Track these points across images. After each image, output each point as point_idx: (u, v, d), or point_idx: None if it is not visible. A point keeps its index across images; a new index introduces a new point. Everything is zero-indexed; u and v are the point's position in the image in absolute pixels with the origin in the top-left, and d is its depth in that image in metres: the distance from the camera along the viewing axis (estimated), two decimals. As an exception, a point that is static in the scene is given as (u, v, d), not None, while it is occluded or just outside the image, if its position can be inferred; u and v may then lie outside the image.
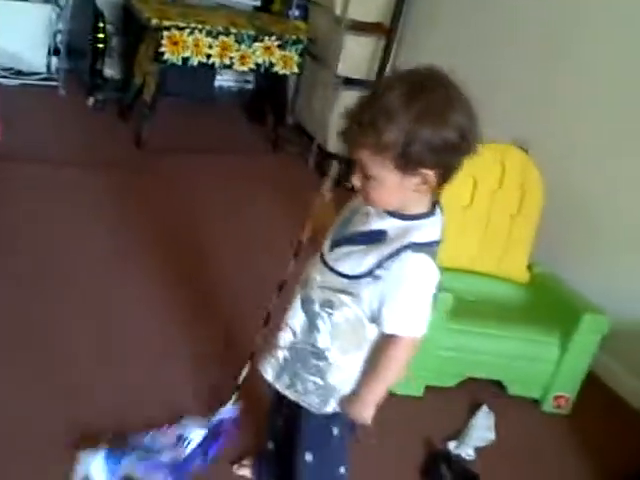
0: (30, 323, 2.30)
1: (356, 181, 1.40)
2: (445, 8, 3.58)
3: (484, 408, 2.39)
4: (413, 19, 3.70)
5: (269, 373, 1.62)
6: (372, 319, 1.46)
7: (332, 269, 1.47)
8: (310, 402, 1.57)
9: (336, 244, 1.49)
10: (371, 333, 1.49)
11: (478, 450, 2.23)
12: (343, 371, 1.53)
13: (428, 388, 2.40)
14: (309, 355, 1.54)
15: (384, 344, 1.47)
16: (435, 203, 1.45)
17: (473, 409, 2.39)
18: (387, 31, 3.68)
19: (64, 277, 2.56)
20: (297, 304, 1.54)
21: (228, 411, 1.86)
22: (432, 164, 1.33)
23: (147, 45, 3.56)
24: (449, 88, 1.34)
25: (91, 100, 3.87)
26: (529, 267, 2.65)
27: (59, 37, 4.01)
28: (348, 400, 1.55)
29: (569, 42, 2.93)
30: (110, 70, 4.05)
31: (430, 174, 1.34)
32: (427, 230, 1.42)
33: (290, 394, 1.59)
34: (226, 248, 2.95)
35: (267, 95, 4.12)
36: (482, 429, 2.31)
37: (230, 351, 2.32)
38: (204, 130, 3.99)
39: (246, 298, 2.63)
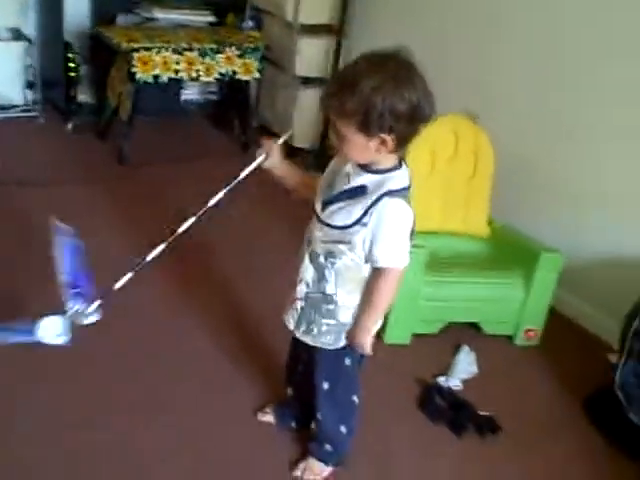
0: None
1: (333, 138, 1.73)
2: (386, 4, 3.91)
3: (465, 347, 2.73)
4: (360, 17, 4.01)
5: (290, 323, 1.93)
6: (366, 260, 1.78)
7: (328, 224, 1.79)
8: (325, 341, 1.89)
9: (327, 204, 1.81)
10: (367, 273, 1.82)
11: (464, 382, 2.56)
12: (350, 309, 1.85)
13: (414, 336, 2.72)
14: (321, 301, 1.85)
15: (375, 278, 1.79)
16: (401, 159, 1.78)
17: (456, 349, 2.72)
18: (336, 31, 4.00)
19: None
20: (306, 260, 1.85)
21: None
22: (387, 130, 1.63)
23: (118, 68, 3.84)
24: (405, 66, 1.64)
25: (69, 125, 4.13)
26: (489, 223, 2.98)
27: (31, 71, 4.27)
28: (350, 330, 1.87)
29: (506, 17, 3.25)
30: (83, 96, 4.31)
31: (387, 138, 1.65)
32: (398, 180, 1.74)
33: (308, 339, 1.91)
34: (215, 235, 3.21)
35: (231, 102, 4.42)
36: (465, 364, 2.65)
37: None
38: (178, 141, 4.28)
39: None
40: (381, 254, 1.75)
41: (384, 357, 2.49)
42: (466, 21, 3.45)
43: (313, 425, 2.09)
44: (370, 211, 1.71)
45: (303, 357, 2.07)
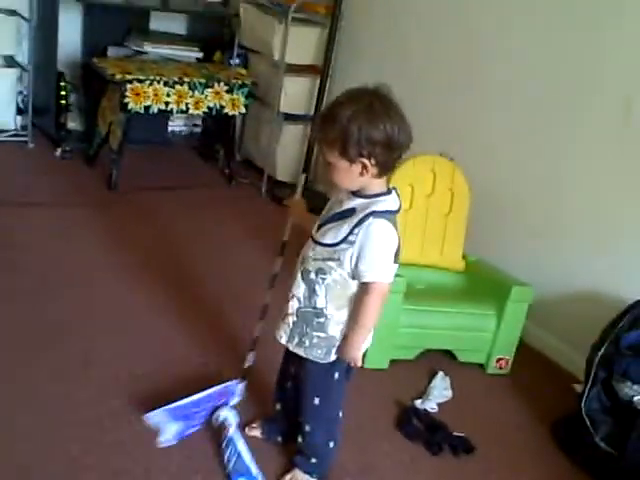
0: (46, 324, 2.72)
1: (325, 168, 1.90)
2: (368, 47, 4.10)
3: (441, 373, 2.87)
4: (342, 58, 4.21)
5: (282, 337, 2.06)
6: (353, 276, 1.93)
7: (319, 243, 1.95)
8: (316, 355, 2.02)
9: (321, 225, 1.98)
10: (355, 289, 1.96)
11: (439, 405, 2.70)
12: (339, 324, 1.99)
13: (392, 362, 2.86)
14: (311, 315, 1.99)
15: (361, 294, 1.94)
16: (393, 188, 1.95)
17: (431, 375, 2.86)
18: (320, 71, 4.20)
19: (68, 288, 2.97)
20: (298, 277, 2.00)
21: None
22: (366, 156, 1.82)
23: (110, 98, 3.98)
24: (380, 98, 1.83)
25: (59, 151, 4.25)
26: (464, 257, 3.15)
27: (21, 97, 4.39)
28: (341, 346, 2.01)
29: (483, 65, 3.46)
30: (73, 123, 4.45)
31: (367, 163, 1.83)
32: (386, 203, 1.91)
33: (300, 351, 2.04)
34: (200, 263, 3.41)
35: (217, 135, 4.58)
36: (441, 388, 2.79)
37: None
38: (164, 170, 4.42)
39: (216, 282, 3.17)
40: (366, 269, 1.90)
41: (364, 381, 2.64)
42: (445, 67, 3.66)
43: (300, 439, 2.21)
44: (356, 230, 1.88)
45: (293, 374, 2.20)
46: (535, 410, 2.80)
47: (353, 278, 1.94)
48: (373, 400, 2.68)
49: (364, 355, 2.23)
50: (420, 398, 2.72)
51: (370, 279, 1.91)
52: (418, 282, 3.00)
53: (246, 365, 2.39)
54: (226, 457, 2.20)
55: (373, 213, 1.87)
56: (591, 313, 2.90)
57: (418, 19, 3.81)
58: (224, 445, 2.24)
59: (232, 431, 2.26)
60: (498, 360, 2.98)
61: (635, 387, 2.48)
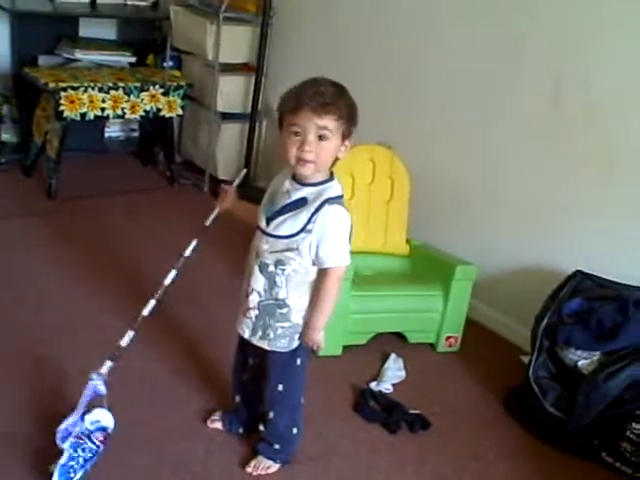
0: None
1: (309, 147, 1.90)
2: (300, 42, 4.14)
3: (393, 355, 2.95)
4: (275, 55, 4.24)
5: (245, 332, 2.11)
6: (313, 263, 1.99)
7: (274, 235, 1.99)
8: (280, 345, 2.07)
9: (271, 219, 2.01)
10: (314, 275, 2.02)
11: (394, 385, 2.78)
12: (301, 311, 2.05)
13: (345, 347, 2.92)
14: (274, 307, 2.04)
15: (321, 279, 2.00)
16: (331, 173, 2.02)
17: (385, 357, 2.94)
18: (254, 69, 4.23)
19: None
20: (256, 271, 2.04)
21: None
22: (350, 135, 1.94)
23: (44, 107, 3.94)
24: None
25: (-2, 165, 4.20)
26: (408, 242, 3.24)
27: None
28: (304, 331, 2.06)
29: (411, 56, 3.56)
30: (6, 135, 4.38)
31: (348, 144, 1.95)
32: (333, 189, 1.99)
33: (264, 344, 2.08)
34: (146, 260, 3.41)
35: (155, 138, 4.57)
36: (394, 370, 2.87)
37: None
38: (103, 177, 4.39)
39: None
40: (326, 256, 1.97)
41: (318, 367, 2.68)
42: (378, 57, 3.73)
43: (261, 427, 2.25)
44: (313, 218, 1.94)
45: (251, 365, 2.24)
46: (486, 383, 2.89)
47: (313, 265, 1.99)
48: (330, 385, 2.74)
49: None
50: (375, 380, 2.79)
51: (331, 264, 1.98)
52: (365, 269, 3.06)
53: (122, 343, 2.18)
54: (76, 457, 2.06)
55: (328, 200, 1.94)
56: (533, 287, 3.02)
57: (349, 11, 3.87)
58: (87, 446, 2.08)
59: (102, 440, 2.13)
60: (447, 338, 3.07)
61: (579, 352, 2.59)
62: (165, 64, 4.39)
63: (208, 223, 2.23)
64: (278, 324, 2.05)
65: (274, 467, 2.25)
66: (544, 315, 2.70)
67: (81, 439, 2.06)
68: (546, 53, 3.00)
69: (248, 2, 4.20)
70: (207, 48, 4.21)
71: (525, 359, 2.85)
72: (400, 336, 3.06)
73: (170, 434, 2.36)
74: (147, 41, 4.73)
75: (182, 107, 4.26)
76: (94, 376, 2.11)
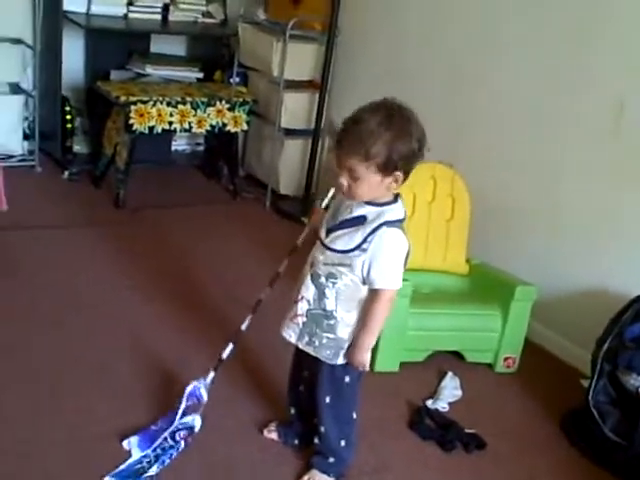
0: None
1: (343, 182, 1.95)
2: (365, 60, 4.19)
3: (450, 373, 2.94)
4: (340, 73, 4.31)
5: (292, 336, 2.14)
6: (364, 282, 2.01)
7: (330, 248, 2.02)
8: (325, 355, 2.09)
9: (330, 231, 2.05)
10: (365, 293, 2.04)
11: (450, 404, 2.77)
12: (348, 326, 2.07)
13: (402, 364, 2.93)
14: (321, 317, 2.07)
15: (371, 299, 2.02)
16: (397, 195, 2.03)
17: (441, 375, 2.93)
18: (319, 86, 4.29)
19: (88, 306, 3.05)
20: (308, 280, 2.08)
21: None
22: (401, 168, 1.91)
23: (115, 120, 4.06)
24: (407, 111, 1.94)
25: (66, 174, 4.33)
26: (467, 260, 3.23)
27: (27, 123, 4.48)
28: (349, 349, 2.08)
29: (474, 77, 3.57)
30: (78, 146, 4.54)
31: (399, 175, 1.93)
32: (395, 212, 2.00)
33: (310, 350, 2.11)
34: (210, 272, 3.51)
35: (220, 153, 4.66)
36: (451, 389, 2.86)
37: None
38: (170, 189, 4.51)
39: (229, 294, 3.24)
40: (377, 277, 1.98)
41: (375, 383, 2.71)
42: (442, 76, 3.75)
43: (316, 440, 2.27)
44: (369, 238, 1.95)
45: (305, 377, 2.27)
46: (544, 406, 2.86)
47: (364, 283, 2.01)
48: (386, 402, 2.74)
49: (372, 358, 2.31)
50: (431, 398, 2.78)
51: (381, 286, 1.99)
52: (423, 286, 3.08)
53: (224, 356, 2.37)
54: (159, 454, 2.23)
55: (386, 223, 1.95)
56: (594, 309, 2.98)
57: (414, 30, 3.90)
58: (167, 444, 2.25)
59: (183, 438, 2.28)
60: (505, 359, 3.04)
61: (640, 378, 2.55)
62: (232, 80, 4.49)
63: (300, 242, 2.26)
64: (324, 334, 2.07)
65: (328, 482, 2.27)
66: (606, 339, 2.65)
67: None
68: (610, 74, 2.98)
69: (314, 21, 4.27)
70: (273, 65, 4.29)
71: (585, 383, 2.81)
72: (458, 355, 3.05)
73: (226, 441, 2.40)
74: (215, 57, 4.86)
75: (247, 122, 4.35)
76: (199, 383, 2.29)
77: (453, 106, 3.69)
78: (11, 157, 4.39)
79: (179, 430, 2.27)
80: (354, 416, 2.25)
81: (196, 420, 2.30)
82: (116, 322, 3.00)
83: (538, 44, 3.26)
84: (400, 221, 2.00)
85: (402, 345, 2.90)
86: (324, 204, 2.21)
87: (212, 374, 2.35)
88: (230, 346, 2.37)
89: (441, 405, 2.74)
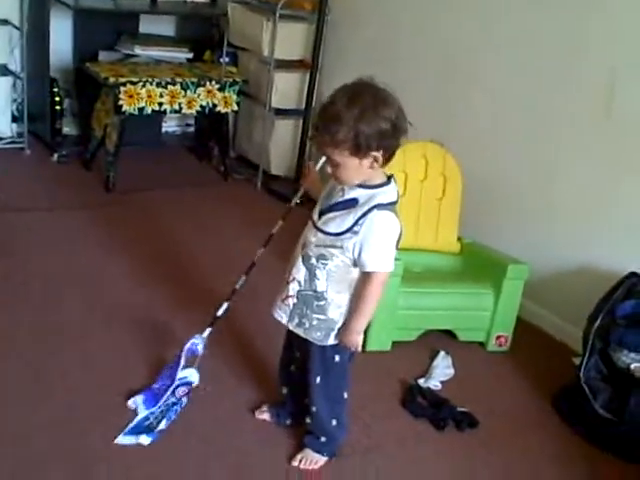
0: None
1: (328, 169, 1.96)
2: (355, 39, 4.15)
3: (442, 352, 2.95)
4: (330, 52, 4.27)
5: (283, 317, 2.14)
6: (355, 264, 2.00)
7: (322, 231, 2.01)
8: (315, 336, 2.09)
9: (322, 213, 2.04)
10: (356, 275, 2.03)
11: (442, 382, 2.78)
12: (339, 307, 2.06)
13: (395, 343, 2.93)
14: (312, 298, 2.06)
15: (362, 282, 2.02)
16: (390, 176, 2.02)
17: (433, 355, 2.94)
18: (309, 65, 4.26)
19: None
20: (299, 261, 2.07)
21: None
22: (376, 148, 1.88)
23: (104, 101, 4.03)
24: (378, 91, 1.90)
25: (55, 156, 4.31)
26: (458, 239, 3.23)
27: (15, 105, 4.45)
28: (341, 331, 2.07)
29: (466, 55, 3.54)
30: (67, 128, 4.50)
31: (377, 155, 1.90)
32: (387, 195, 1.98)
33: (300, 331, 2.11)
34: (202, 253, 3.53)
35: (210, 133, 4.63)
36: (443, 367, 2.86)
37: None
38: (160, 171, 4.49)
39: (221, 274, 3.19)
40: (369, 259, 1.97)
41: (367, 362, 2.72)
42: (434, 55, 3.72)
43: (308, 419, 2.28)
44: (361, 221, 1.94)
45: (296, 357, 2.27)
46: (536, 384, 2.87)
47: (355, 265, 2.01)
48: (378, 380, 2.75)
49: (364, 337, 2.31)
50: (423, 377, 2.79)
51: (372, 269, 1.98)
52: (415, 265, 3.07)
53: (219, 313, 2.46)
54: (164, 410, 2.35)
55: (377, 206, 1.94)
56: (586, 287, 2.98)
57: (404, 9, 3.86)
58: (170, 400, 2.37)
59: (184, 394, 2.40)
60: (498, 337, 3.05)
61: (632, 355, 2.56)
62: (221, 60, 4.45)
63: (293, 203, 2.29)
64: (314, 315, 2.07)
65: (321, 460, 2.27)
66: (597, 316, 2.66)
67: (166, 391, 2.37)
68: (601, 47, 2.97)
69: (304, 0, 4.23)
70: (263, 45, 4.26)
71: (576, 361, 2.81)
72: (450, 334, 3.05)
73: (218, 423, 2.40)
74: (204, 37, 4.81)
75: (237, 103, 4.32)
76: (196, 339, 2.38)
77: (445, 86, 3.67)
78: (0, 139, 4.36)
79: (179, 386, 2.37)
80: (345, 396, 2.25)
81: (193, 375, 2.40)
82: (110, 298, 3.03)
83: (531, 21, 3.23)
84: (392, 204, 1.99)
85: (394, 324, 2.90)
86: (318, 166, 2.18)
87: (208, 330, 2.43)
88: (225, 305, 2.44)
89: (433, 384, 2.75)
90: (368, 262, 1.97)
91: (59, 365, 2.58)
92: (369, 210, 1.94)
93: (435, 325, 3.02)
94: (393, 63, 3.82)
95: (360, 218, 1.94)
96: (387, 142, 1.89)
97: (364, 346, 2.45)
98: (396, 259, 2.66)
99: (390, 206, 1.98)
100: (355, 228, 1.95)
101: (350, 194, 1.99)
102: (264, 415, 2.43)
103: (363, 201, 1.96)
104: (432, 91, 3.69)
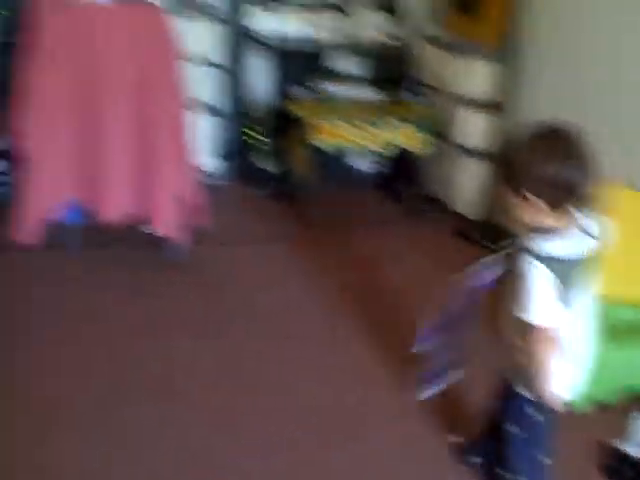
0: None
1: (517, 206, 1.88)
2: (545, 80, 3.99)
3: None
4: (519, 94, 4.12)
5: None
6: None
7: None
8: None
9: None
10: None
11: (642, 449, 2.57)
12: (523, 353, 1.95)
13: (595, 402, 2.73)
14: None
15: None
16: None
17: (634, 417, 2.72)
18: (499, 106, 4.17)
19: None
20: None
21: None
22: (534, 193, 1.81)
23: (300, 138, 4.19)
24: (557, 138, 1.82)
25: (259, 193, 4.55)
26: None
27: (221, 142, 4.72)
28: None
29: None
30: (268, 165, 4.70)
31: (535, 200, 1.82)
32: (550, 245, 1.83)
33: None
34: (395, 293, 3.58)
35: (400, 172, 4.68)
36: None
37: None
38: (354, 208, 4.65)
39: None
40: (519, 306, 1.87)
41: (564, 421, 2.55)
42: (622, 101, 3.49)
43: (499, 470, 2.21)
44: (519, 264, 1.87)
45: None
46: None
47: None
48: (575, 442, 2.58)
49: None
50: (626, 441, 2.59)
51: (526, 318, 1.87)
52: (624, 320, 2.88)
53: None
54: None
55: (530, 252, 1.83)
56: None
57: (597, 52, 3.67)
58: None
59: None
60: None
61: None
62: (413, 99, 4.47)
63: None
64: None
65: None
66: None
67: None
68: None
69: (495, 40, 4.16)
70: (454, 84, 4.23)
71: None
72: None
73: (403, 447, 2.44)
74: (396, 77, 4.84)
75: (427, 142, 4.32)
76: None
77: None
78: (208, 176, 4.59)
79: None
80: (542, 459, 2.13)
81: None
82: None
83: None
84: (546, 258, 1.82)
85: (596, 383, 2.72)
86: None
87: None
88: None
89: (632, 449, 2.55)
90: (519, 309, 1.90)
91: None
92: (522, 252, 1.88)
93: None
94: (583, 105, 3.60)
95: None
96: (546, 191, 1.82)
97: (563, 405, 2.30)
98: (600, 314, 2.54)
99: (546, 259, 1.83)
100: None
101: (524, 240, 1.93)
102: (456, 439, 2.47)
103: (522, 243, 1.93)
104: (628, 128, 3.45)
